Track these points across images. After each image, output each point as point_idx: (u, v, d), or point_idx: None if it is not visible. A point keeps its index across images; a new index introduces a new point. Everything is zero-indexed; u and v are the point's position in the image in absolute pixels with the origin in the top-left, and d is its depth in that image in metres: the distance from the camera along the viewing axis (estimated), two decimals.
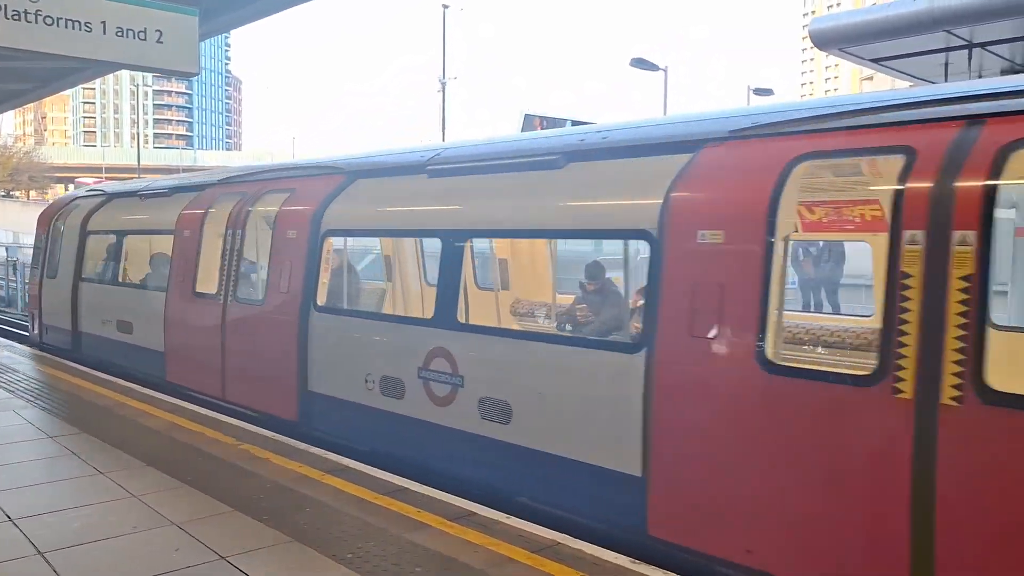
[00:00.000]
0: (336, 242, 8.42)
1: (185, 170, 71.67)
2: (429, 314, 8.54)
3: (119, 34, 8.30)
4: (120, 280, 12.25)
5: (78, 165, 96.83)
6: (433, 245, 10.56)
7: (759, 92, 34.63)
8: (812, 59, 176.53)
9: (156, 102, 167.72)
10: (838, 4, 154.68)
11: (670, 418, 5.04)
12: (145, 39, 8.45)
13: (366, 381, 7.32)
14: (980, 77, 13.17)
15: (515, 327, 8.95)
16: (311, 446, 7.28)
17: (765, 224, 4.68)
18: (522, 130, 22.14)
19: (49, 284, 14.10)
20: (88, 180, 66.83)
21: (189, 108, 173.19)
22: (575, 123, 21.96)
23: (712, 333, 4.83)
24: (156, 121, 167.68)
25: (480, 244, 10.20)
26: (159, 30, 8.52)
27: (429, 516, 5.43)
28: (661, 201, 5.23)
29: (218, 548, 4.86)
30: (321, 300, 8.09)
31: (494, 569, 4.57)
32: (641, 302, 7.19)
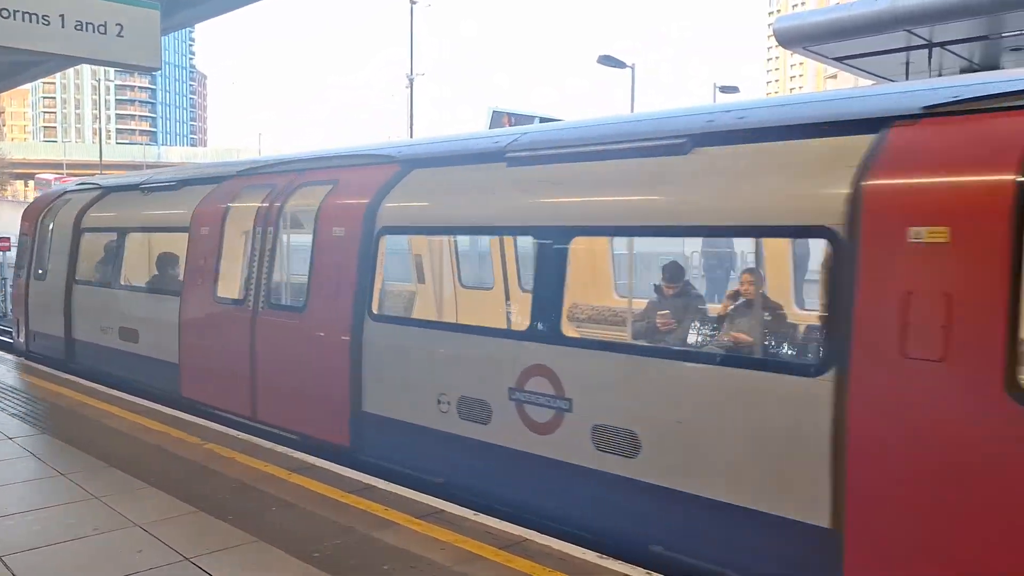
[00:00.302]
0: (395, 241, 7.55)
1: (149, 167, 70.41)
2: (464, 319, 8.24)
3: (78, 27, 8.15)
4: (122, 283, 10.83)
5: (38, 161, 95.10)
6: (462, 244, 10.08)
7: (724, 90, 34.97)
8: (777, 57, 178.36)
9: (118, 97, 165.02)
10: (803, 3, 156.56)
11: (876, 457, 4.10)
12: (105, 33, 8.30)
13: (439, 402, 6.33)
14: (940, 76, 13.40)
15: (573, 334, 7.57)
16: (277, 445, 7.21)
17: (1009, 219, 3.79)
18: (490, 127, 22.08)
19: (37, 287, 12.69)
20: (48, 176, 65.63)
21: (152, 103, 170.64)
22: (543, 120, 21.97)
23: (938, 353, 3.93)
24: (119, 116, 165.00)
25: (523, 242, 8.90)
26: (120, 24, 8.38)
27: (396, 514, 5.41)
28: (848, 191, 4.32)
29: (182, 549, 4.80)
30: (379, 307, 7.13)
31: (462, 566, 4.56)
32: (732, 306, 6.58)
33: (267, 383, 8.06)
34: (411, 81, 38.95)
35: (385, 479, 6.20)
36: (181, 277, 9.69)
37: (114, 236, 11.29)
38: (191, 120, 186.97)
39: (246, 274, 8.52)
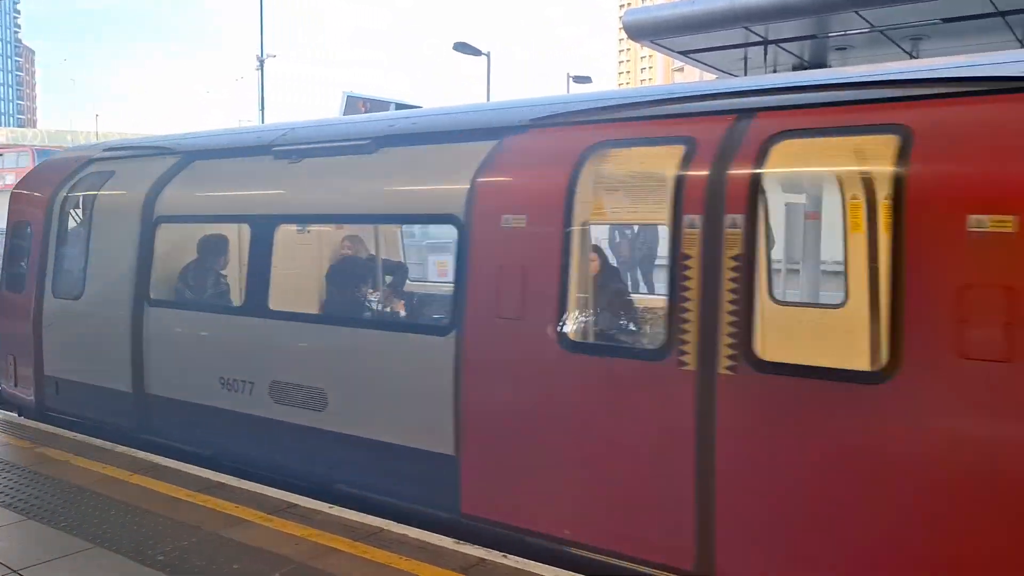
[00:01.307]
0: None
1: None
2: None
3: None
4: (273, 308, 6.36)
5: None
6: None
7: (578, 79, 35.77)
8: (629, 49, 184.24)
9: None
10: None
11: None
12: None
13: None
14: (775, 72, 14.23)
15: None
16: (117, 444, 6.80)
17: None
18: (345, 112, 21.65)
19: (62, 308, 7.89)
20: None
21: None
22: (399, 106, 21.77)
23: None
24: None
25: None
26: None
27: (247, 511, 5.25)
28: None
29: (10, 561, 4.48)
30: None
31: (315, 560, 4.49)
32: None
33: (759, 519, 4.23)
34: (262, 63, 37.62)
35: None
36: (445, 302, 6.14)
37: (235, 230, 7.38)
38: (18, 99, 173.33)
39: (664, 304, 4.67)
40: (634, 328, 5.83)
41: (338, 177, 6.30)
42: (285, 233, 6.77)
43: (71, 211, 8.24)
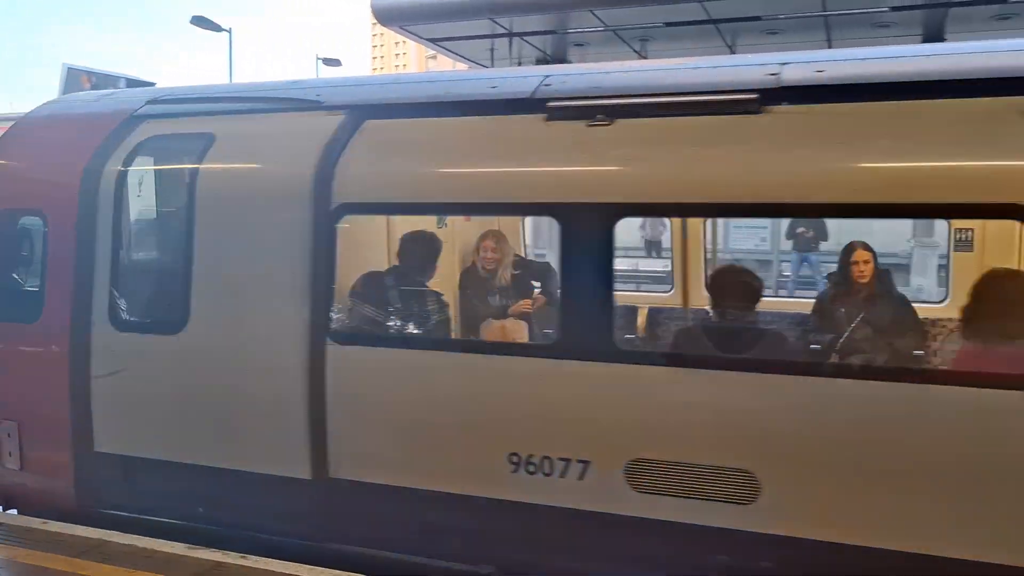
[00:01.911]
0: None
1: None
2: None
3: None
4: (624, 348, 4.69)
5: None
6: None
7: (328, 62, 35.09)
8: (383, 34, 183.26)
9: None
10: None
11: None
12: None
13: None
14: (520, 65, 14.76)
15: None
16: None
17: None
18: (65, 88, 19.57)
19: (142, 348, 4.88)
20: None
21: None
22: (131, 82, 20.07)
23: None
24: None
25: None
26: None
27: None
28: None
29: None
30: None
31: None
32: None
33: None
34: None
35: None
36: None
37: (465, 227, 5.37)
38: None
39: None
40: None
41: (706, 146, 4.09)
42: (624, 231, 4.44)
43: (135, 193, 5.28)
